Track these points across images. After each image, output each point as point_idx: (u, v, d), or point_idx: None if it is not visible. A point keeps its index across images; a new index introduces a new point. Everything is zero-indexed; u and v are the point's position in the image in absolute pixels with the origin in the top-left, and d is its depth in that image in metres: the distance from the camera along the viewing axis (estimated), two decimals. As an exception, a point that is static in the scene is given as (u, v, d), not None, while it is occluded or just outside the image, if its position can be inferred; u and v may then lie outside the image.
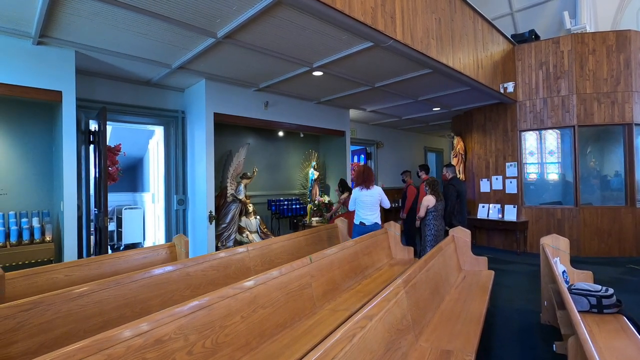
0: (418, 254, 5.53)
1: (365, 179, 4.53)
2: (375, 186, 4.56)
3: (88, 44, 3.85)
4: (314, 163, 7.45)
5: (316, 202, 7.17)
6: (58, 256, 4.06)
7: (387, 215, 8.69)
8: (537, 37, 7.18)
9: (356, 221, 4.64)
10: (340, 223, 5.42)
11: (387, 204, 4.60)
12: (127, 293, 2.44)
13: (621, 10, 8.28)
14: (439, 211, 5.04)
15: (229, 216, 5.89)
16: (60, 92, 3.90)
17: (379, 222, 4.57)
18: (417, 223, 5.34)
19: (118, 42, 3.81)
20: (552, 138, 6.94)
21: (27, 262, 3.79)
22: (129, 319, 2.27)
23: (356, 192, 4.58)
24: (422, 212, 5.06)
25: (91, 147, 4.69)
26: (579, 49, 6.47)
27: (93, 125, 4.66)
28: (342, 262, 3.49)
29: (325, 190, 7.80)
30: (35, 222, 4.06)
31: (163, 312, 1.72)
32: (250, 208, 6.23)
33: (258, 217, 6.36)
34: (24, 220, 4.06)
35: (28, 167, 4.30)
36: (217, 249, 5.40)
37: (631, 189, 6.34)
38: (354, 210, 4.67)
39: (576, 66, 6.47)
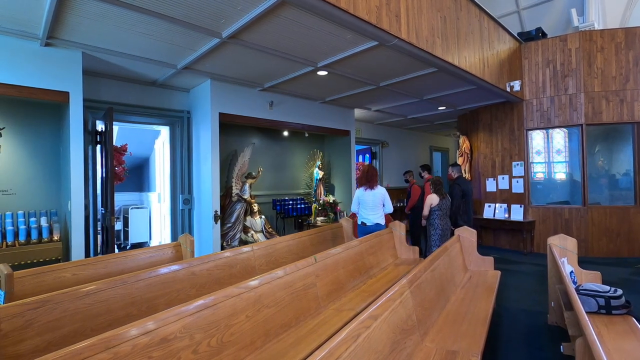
0: (423, 254, 5.50)
1: (369, 179, 4.51)
2: (379, 187, 4.53)
3: (95, 45, 3.88)
4: (318, 163, 7.44)
5: (321, 201, 7.16)
6: (66, 255, 4.11)
7: (392, 215, 8.66)
8: (544, 35, 7.11)
9: (359, 221, 4.65)
10: (345, 222, 5.41)
11: (389, 208, 4.53)
12: (133, 292, 2.46)
13: (630, 7, 8.17)
14: (444, 210, 5.00)
15: (234, 216, 5.91)
16: (67, 93, 3.94)
17: (381, 223, 4.52)
18: (423, 222, 5.31)
19: (124, 43, 3.84)
20: (559, 137, 6.87)
21: (35, 261, 3.84)
22: (135, 318, 2.29)
23: (359, 192, 4.57)
24: (425, 211, 5.03)
25: (98, 147, 4.74)
26: (587, 47, 6.39)
27: (100, 126, 4.70)
28: (347, 261, 3.49)
29: (330, 190, 7.80)
30: (44, 222, 4.11)
31: (169, 311, 1.74)
32: (255, 207, 6.25)
33: (263, 216, 6.37)
34: (32, 219, 4.11)
35: (36, 167, 4.35)
36: (222, 248, 5.43)
37: (640, 189, 6.25)
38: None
39: (584, 64, 6.39)
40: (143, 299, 2.50)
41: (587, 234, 6.33)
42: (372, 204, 4.47)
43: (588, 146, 6.47)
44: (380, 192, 4.49)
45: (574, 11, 7.81)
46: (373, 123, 9.23)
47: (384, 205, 4.56)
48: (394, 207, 9.20)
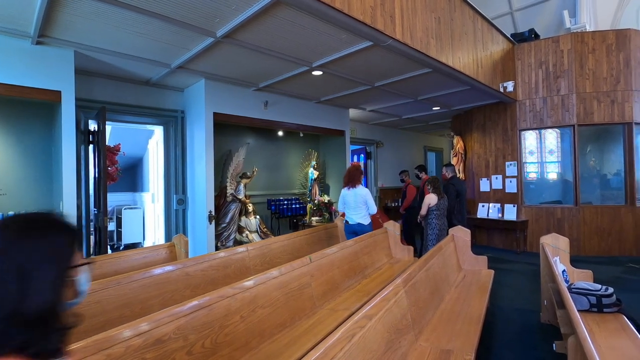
0: (418, 253, 5.52)
1: (350, 178, 4.54)
2: (361, 187, 4.53)
3: (87, 44, 3.84)
4: (313, 162, 7.44)
5: (316, 201, 7.17)
6: (58, 256, 4.06)
7: (387, 214, 8.69)
8: (536, 36, 7.18)
9: (345, 219, 4.71)
10: (340, 222, 5.42)
11: (372, 209, 4.51)
12: (127, 293, 2.44)
13: (621, 9, 8.28)
14: (441, 210, 5.01)
15: (229, 216, 5.89)
16: (59, 92, 3.90)
17: (364, 223, 4.49)
18: (421, 221, 5.30)
19: (117, 42, 3.81)
20: (551, 137, 6.94)
21: (26, 262, 3.78)
22: (129, 319, 2.26)
23: (343, 191, 4.63)
24: (423, 210, 5.06)
25: (90, 147, 4.69)
26: (579, 48, 6.47)
27: (92, 125, 4.65)
28: (342, 261, 3.50)
29: (325, 190, 7.80)
30: (35, 222, 4.05)
31: (163, 312, 1.73)
32: (250, 208, 6.23)
33: (258, 216, 6.35)
34: (23, 220, 4.05)
35: (27, 167, 4.29)
36: (216, 248, 5.40)
37: (631, 188, 6.34)
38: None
39: (576, 65, 6.47)
40: (137, 300, 2.48)
41: (579, 233, 6.41)
42: (354, 203, 4.49)
43: (580, 146, 6.55)
44: (361, 192, 4.48)
45: (566, 13, 7.90)
46: (368, 123, 9.26)
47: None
48: (389, 207, 9.26)
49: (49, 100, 3.88)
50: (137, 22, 3.35)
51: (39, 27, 3.37)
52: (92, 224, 4.70)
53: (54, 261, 0.71)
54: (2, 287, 0.64)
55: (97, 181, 4.44)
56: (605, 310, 2.68)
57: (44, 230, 0.72)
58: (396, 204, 9.25)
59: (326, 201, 7.24)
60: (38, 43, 3.72)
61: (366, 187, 6.29)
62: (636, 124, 6.34)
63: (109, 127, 6.09)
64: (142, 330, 1.59)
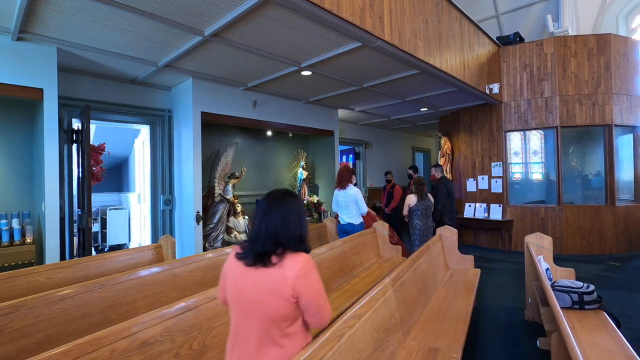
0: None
1: (340, 179, 4.62)
2: (350, 187, 4.56)
3: (71, 41, 3.75)
4: (302, 163, 7.43)
5: (305, 202, 7.16)
6: (39, 258, 3.95)
7: (376, 214, 8.73)
8: (521, 40, 7.33)
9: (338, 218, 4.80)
10: (329, 223, 5.43)
11: (362, 209, 4.54)
12: (112, 295, 2.39)
13: (602, 14, 8.53)
14: (422, 210, 5.00)
15: (217, 216, 5.83)
16: (41, 90, 3.79)
17: (354, 223, 4.54)
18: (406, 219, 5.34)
19: (102, 39, 3.73)
20: (536, 138, 7.10)
21: (7, 264, 3.68)
22: (114, 322, 2.23)
23: (335, 192, 4.70)
24: (405, 211, 5.10)
25: (74, 146, 4.58)
26: (562, 52, 6.63)
27: (76, 124, 4.55)
28: (331, 261, 3.50)
29: (314, 190, 7.80)
30: (15, 224, 3.94)
31: (149, 314, 1.70)
32: (239, 208, 6.18)
33: (246, 217, 6.31)
34: (3, 221, 3.94)
35: (7, 167, 4.17)
36: (204, 249, 5.34)
37: (611, 188, 6.52)
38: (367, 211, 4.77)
39: (559, 68, 6.63)
40: (122, 302, 2.44)
41: (561, 232, 6.56)
42: (344, 203, 4.54)
43: (563, 147, 6.71)
44: (350, 192, 4.52)
45: (549, 17, 8.09)
46: (357, 123, 9.29)
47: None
48: (377, 206, 9.29)
49: (30, 98, 3.77)
50: (122, 19, 3.29)
51: (20, 23, 3.27)
52: (75, 225, 4.60)
53: (305, 212, 1.47)
54: (293, 224, 1.36)
55: (81, 181, 4.34)
56: (586, 307, 2.75)
57: (297, 196, 1.49)
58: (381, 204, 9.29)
59: (315, 201, 7.23)
60: (19, 39, 3.62)
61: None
62: (616, 125, 6.54)
63: (93, 126, 5.97)
64: (128, 333, 1.56)
